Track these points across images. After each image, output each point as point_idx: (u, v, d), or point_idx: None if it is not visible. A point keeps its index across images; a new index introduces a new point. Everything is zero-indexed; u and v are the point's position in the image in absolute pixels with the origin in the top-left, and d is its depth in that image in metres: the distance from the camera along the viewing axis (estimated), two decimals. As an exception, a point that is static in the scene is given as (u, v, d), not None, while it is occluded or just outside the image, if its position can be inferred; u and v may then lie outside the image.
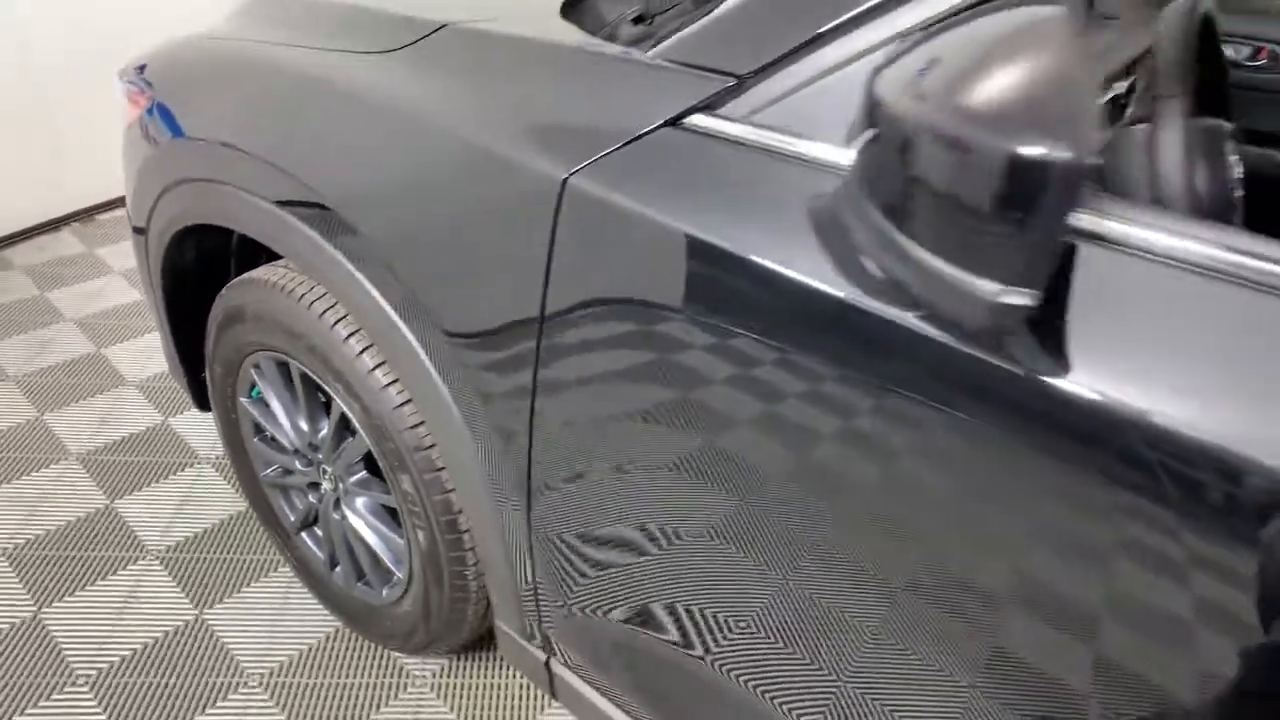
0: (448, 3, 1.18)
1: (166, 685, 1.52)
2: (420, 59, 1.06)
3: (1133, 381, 0.57)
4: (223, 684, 1.53)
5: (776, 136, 0.77)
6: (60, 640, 1.58)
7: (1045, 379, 0.59)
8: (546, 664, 1.21)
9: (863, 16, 0.73)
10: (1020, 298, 0.51)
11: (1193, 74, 0.82)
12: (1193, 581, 0.61)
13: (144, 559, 1.77)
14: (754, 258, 0.75)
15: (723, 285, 0.79)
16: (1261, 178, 1.84)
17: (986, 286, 0.51)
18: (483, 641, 1.58)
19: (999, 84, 0.49)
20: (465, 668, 1.57)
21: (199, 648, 1.59)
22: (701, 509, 0.90)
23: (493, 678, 1.56)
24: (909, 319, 0.64)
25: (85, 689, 1.50)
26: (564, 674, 1.19)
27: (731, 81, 0.81)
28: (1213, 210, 0.92)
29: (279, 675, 1.55)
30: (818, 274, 0.71)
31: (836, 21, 0.74)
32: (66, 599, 1.67)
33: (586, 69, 0.94)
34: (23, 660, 1.54)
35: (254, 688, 1.52)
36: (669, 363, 0.85)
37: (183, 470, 2.00)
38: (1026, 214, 0.49)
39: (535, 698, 1.53)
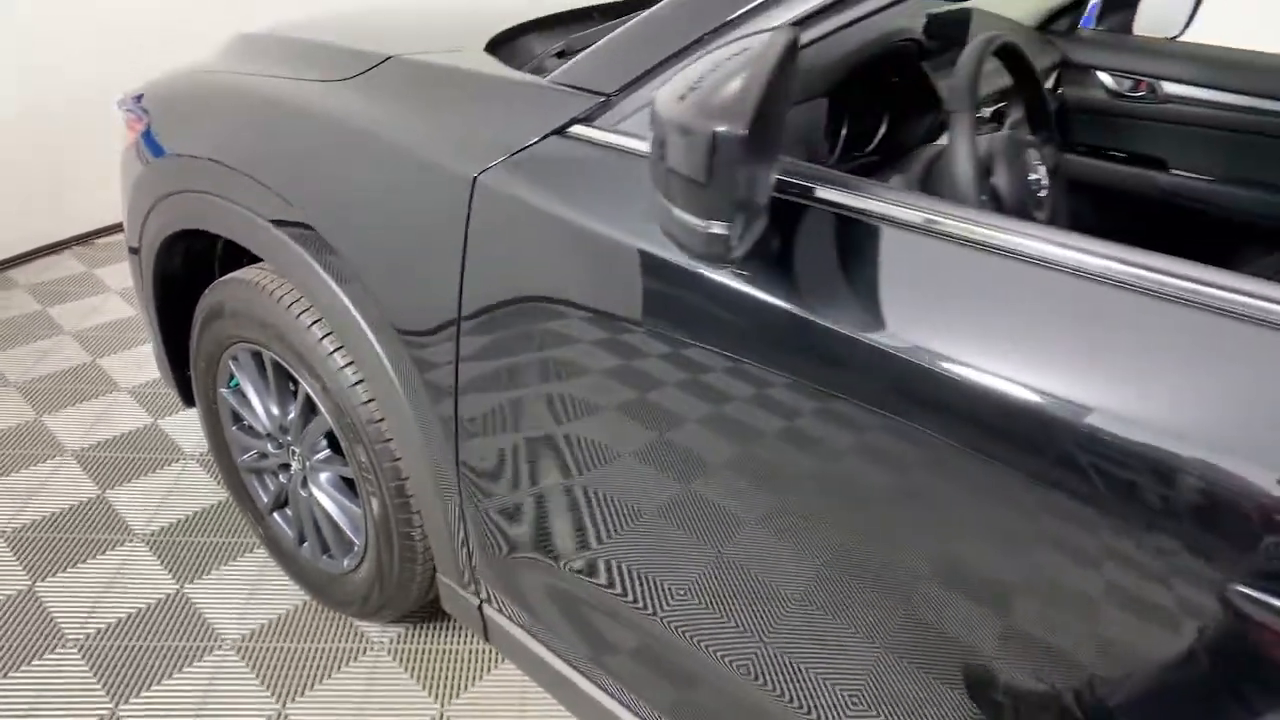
0: (393, 39, 1.39)
1: (148, 648, 1.68)
2: (369, 85, 1.26)
3: (820, 297, 0.82)
4: (199, 647, 1.69)
5: (633, 141, 0.97)
6: (52, 609, 1.75)
7: (765, 297, 0.85)
8: (479, 608, 1.38)
9: (688, 49, 0.95)
10: (719, 228, 0.72)
11: (976, 93, 1.02)
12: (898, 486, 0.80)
13: (131, 541, 1.93)
14: (611, 234, 0.95)
15: (593, 260, 0.98)
16: (1142, 198, 2.05)
17: (699, 222, 0.72)
18: (433, 614, 1.75)
19: (715, 88, 0.70)
20: (419, 635, 1.74)
21: (179, 617, 1.75)
22: (593, 473, 1.08)
23: (442, 644, 1.72)
24: (678, 258, 0.89)
25: (74, 650, 1.66)
26: (494, 616, 1.36)
27: (602, 99, 1.01)
28: (1011, 205, 1.12)
29: (251, 640, 1.71)
30: (650, 240, 0.91)
31: (672, 52, 0.95)
32: (59, 574, 1.83)
33: (500, 91, 1.14)
34: (18, 626, 1.71)
35: (228, 651, 1.69)
36: (563, 339, 1.03)
37: (169, 465, 2.18)
38: (714, 169, 0.70)
39: (479, 662, 1.69)
